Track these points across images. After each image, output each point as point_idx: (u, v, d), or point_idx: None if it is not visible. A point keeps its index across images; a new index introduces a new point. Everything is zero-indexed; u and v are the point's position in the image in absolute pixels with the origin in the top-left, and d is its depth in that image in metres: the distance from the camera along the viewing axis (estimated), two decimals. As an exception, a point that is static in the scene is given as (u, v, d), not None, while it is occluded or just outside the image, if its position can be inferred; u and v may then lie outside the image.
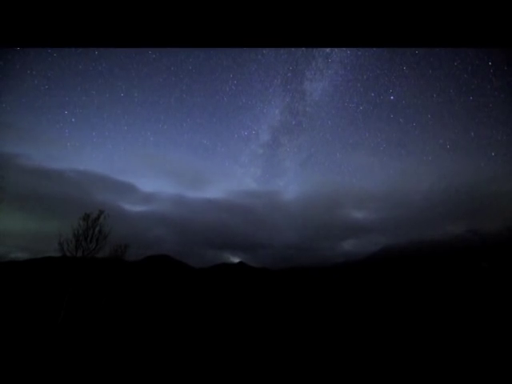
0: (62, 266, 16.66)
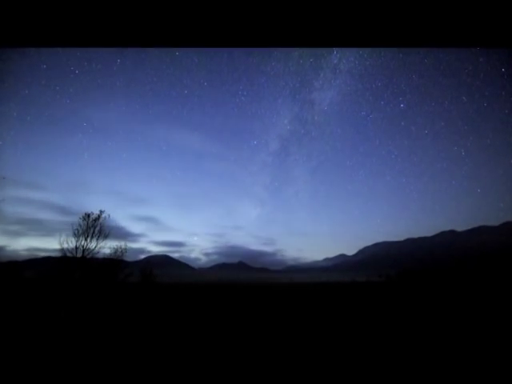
0: (62, 265, 16.64)
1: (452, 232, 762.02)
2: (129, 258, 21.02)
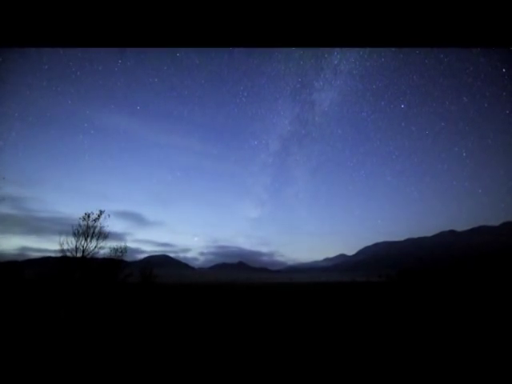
0: (62, 266, 16.64)
1: (452, 232, 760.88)
2: (129, 257, 20.98)
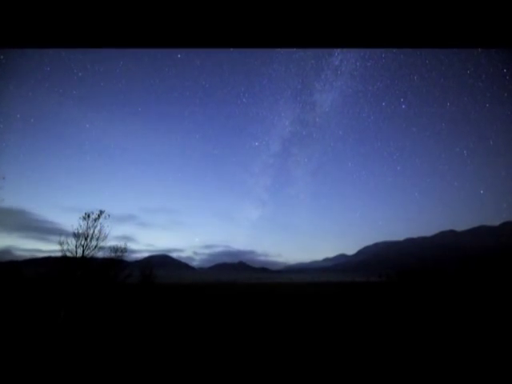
0: (62, 266, 16.65)
1: (452, 232, 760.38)
2: (128, 257, 20.96)
